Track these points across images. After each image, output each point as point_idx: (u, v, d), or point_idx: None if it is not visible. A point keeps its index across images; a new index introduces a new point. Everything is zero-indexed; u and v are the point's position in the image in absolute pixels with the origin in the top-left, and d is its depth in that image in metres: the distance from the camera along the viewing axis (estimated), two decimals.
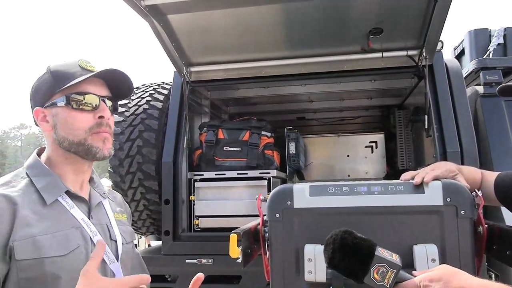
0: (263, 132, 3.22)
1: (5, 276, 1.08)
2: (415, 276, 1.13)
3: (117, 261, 1.30)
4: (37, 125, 1.30)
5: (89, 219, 1.26)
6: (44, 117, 1.26)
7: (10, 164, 55.99)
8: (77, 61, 1.29)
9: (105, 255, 1.24)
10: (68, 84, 1.21)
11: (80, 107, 1.23)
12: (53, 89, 1.24)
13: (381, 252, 1.13)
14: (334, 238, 1.16)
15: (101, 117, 1.26)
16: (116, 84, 1.33)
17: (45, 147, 1.32)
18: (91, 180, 1.37)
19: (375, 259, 1.11)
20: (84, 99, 1.23)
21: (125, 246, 1.37)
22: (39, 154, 1.31)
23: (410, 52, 2.92)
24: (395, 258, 1.14)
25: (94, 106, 1.25)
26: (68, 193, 1.24)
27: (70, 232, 1.18)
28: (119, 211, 1.45)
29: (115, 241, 1.33)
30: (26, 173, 1.23)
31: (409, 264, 1.30)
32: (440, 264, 1.26)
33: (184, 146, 3.07)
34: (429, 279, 1.09)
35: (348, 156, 4.28)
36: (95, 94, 1.25)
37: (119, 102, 1.41)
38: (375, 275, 1.11)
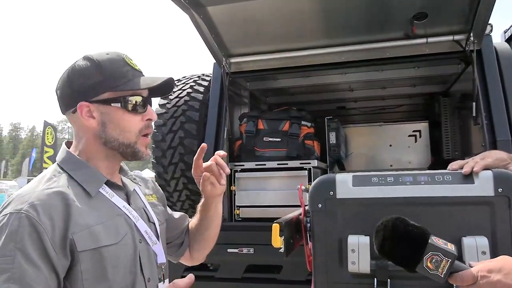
0: (303, 122, 3.20)
1: (67, 271, 1.10)
2: (471, 267, 1.08)
3: (159, 241, 1.33)
4: (63, 112, 1.27)
5: (129, 205, 1.29)
6: (89, 111, 1.22)
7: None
8: (121, 56, 1.26)
9: (148, 237, 1.28)
10: (133, 88, 1.21)
11: (136, 109, 1.24)
12: (103, 85, 1.21)
13: (435, 240, 1.09)
14: (385, 225, 1.13)
15: (148, 119, 1.28)
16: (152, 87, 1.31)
17: (71, 141, 1.31)
18: (120, 169, 1.38)
19: (429, 247, 1.08)
20: (137, 102, 1.24)
21: (161, 226, 1.40)
22: (68, 147, 1.30)
23: (457, 37, 2.80)
24: (450, 247, 1.09)
25: (144, 109, 1.27)
26: (106, 182, 1.25)
27: (116, 220, 1.21)
28: (148, 193, 1.46)
29: (153, 223, 1.35)
30: (62, 168, 1.23)
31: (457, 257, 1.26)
32: (491, 258, 1.21)
33: (225, 137, 3.10)
34: (488, 270, 1.04)
35: (390, 145, 4.18)
36: (144, 97, 1.27)
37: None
38: (429, 264, 1.07)
